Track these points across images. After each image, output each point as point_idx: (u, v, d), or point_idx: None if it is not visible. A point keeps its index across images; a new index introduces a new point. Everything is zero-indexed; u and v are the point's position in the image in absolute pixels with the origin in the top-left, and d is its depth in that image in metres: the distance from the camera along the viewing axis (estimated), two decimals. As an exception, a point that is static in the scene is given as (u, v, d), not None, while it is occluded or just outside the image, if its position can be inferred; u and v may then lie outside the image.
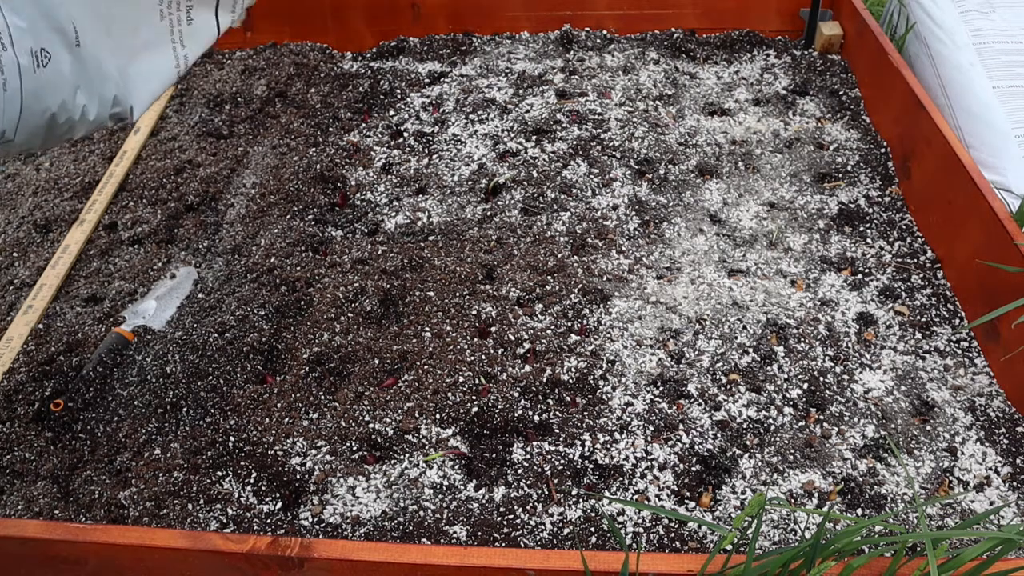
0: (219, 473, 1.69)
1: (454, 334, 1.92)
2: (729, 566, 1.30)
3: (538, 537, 1.55)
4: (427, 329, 1.94)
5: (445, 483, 1.65)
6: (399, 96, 2.85)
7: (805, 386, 1.84)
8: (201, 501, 1.64)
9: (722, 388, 1.83)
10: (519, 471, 1.67)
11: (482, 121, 2.68)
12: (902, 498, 1.62)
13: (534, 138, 2.60)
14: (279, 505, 1.64)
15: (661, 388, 1.83)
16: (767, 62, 2.98)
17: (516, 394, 1.81)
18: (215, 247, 2.26)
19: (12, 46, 1.25)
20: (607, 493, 1.63)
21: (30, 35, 1.28)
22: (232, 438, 1.75)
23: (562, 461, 1.69)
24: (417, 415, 1.76)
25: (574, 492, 1.63)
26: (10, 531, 1.41)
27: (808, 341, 1.94)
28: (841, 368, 1.88)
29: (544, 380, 1.83)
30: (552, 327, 1.95)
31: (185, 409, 1.82)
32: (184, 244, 2.28)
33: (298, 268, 2.15)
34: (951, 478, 1.66)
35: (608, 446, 1.71)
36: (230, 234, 2.29)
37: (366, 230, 2.31)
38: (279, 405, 1.80)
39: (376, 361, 1.88)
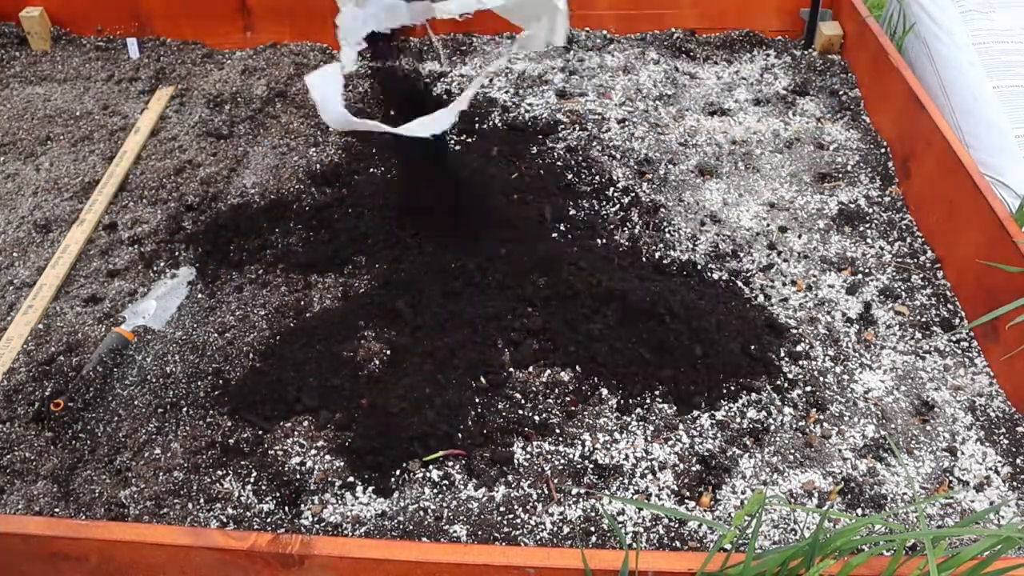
0: (219, 473, 1.69)
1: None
2: (729, 564, 1.30)
3: (538, 537, 1.55)
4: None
5: (445, 482, 1.65)
6: (399, 96, 2.85)
7: (805, 386, 1.84)
8: (201, 500, 1.64)
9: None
10: (519, 471, 1.67)
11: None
12: (902, 498, 1.62)
13: (534, 138, 2.60)
14: (279, 504, 1.64)
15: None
16: (767, 62, 2.98)
17: (516, 394, 1.81)
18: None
19: None
20: (607, 492, 1.63)
21: None
22: (232, 438, 1.75)
23: (562, 461, 1.69)
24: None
25: (574, 492, 1.63)
26: (12, 527, 1.42)
27: (808, 341, 1.94)
28: (841, 368, 1.88)
29: (544, 380, 1.84)
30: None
31: (185, 409, 1.82)
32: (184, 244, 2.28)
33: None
34: (951, 478, 1.66)
35: (608, 446, 1.71)
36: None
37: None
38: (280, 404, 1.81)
39: (376, 360, 1.88)
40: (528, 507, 1.61)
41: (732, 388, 1.82)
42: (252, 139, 2.68)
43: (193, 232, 2.30)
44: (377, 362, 1.88)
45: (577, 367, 1.85)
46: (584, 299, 1.95)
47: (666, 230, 2.26)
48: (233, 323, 2.01)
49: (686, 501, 1.62)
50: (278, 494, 1.65)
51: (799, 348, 1.92)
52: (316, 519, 1.60)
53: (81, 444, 1.77)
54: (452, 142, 2.59)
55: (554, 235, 2.20)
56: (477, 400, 1.79)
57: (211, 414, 1.80)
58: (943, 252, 2.14)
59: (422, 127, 1.72)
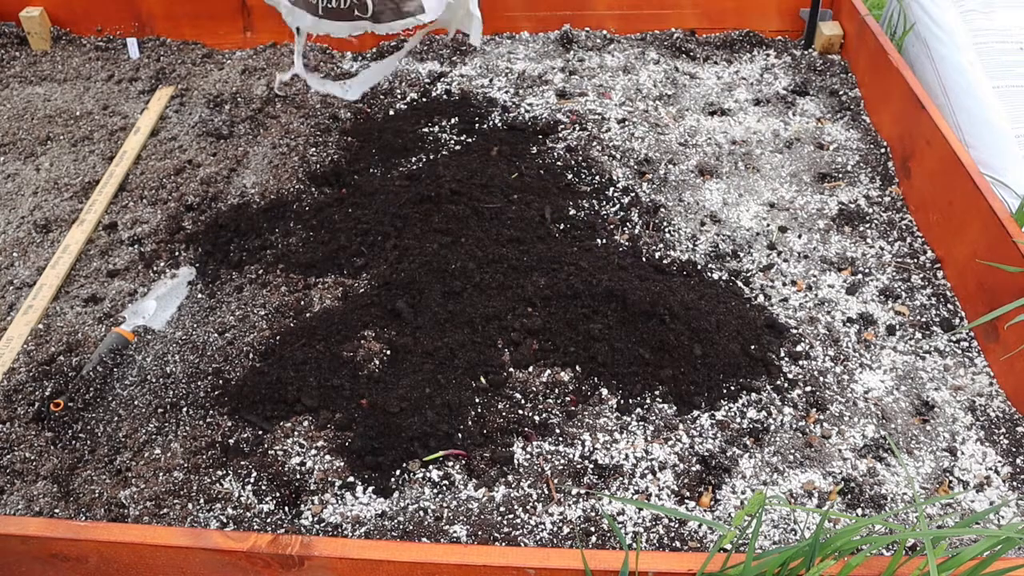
0: (219, 473, 1.69)
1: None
2: (729, 565, 1.30)
3: (538, 537, 1.55)
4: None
5: (445, 482, 1.65)
6: (399, 97, 2.85)
7: (805, 386, 1.84)
8: (201, 501, 1.64)
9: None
10: (519, 471, 1.67)
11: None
12: (902, 498, 1.62)
13: (534, 138, 2.60)
14: (279, 505, 1.64)
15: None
16: (767, 62, 2.98)
17: (516, 394, 1.81)
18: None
19: None
20: (607, 493, 1.63)
21: None
22: (232, 438, 1.75)
23: (562, 461, 1.69)
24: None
25: (574, 492, 1.63)
26: (11, 529, 1.41)
27: (808, 341, 1.94)
28: (841, 368, 1.88)
29: (544, 380, 1.84)
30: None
31: (185, 409, 1.82)
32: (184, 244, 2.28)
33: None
34: (951, 478, 1.66)
35: (608, 446, 1.71)
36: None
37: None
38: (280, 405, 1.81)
39: (376, 360, 1.88)
40: (528, 507, 1.61)
41: (732, 388, 1.82)
42: (252, 139, 2.68)
43: (193, 232, 2.31)
44: (377, 362, 1.88)
45: (577, 367, 1.85)
46: (584, 299, 1.95)
47: (666, 230, 2.26)
48: (233, 323, 2.01)
49: (686, 501, 1.62)
50: (278, 494, 1.65)
51: (799, 348, 1.92)
52: (316, 519, 1.60)
53: (81, 444, 1.77)
54: (452, 142, 2.59)
55: (554, 235, 2.20)
56: (477, 400, 1.79)
57: (211, 414, 1.80)
58: (943, 252, 2.14)
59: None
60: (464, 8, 2.14)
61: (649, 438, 1.73)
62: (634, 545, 1.52)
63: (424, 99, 2.82)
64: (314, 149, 2.60)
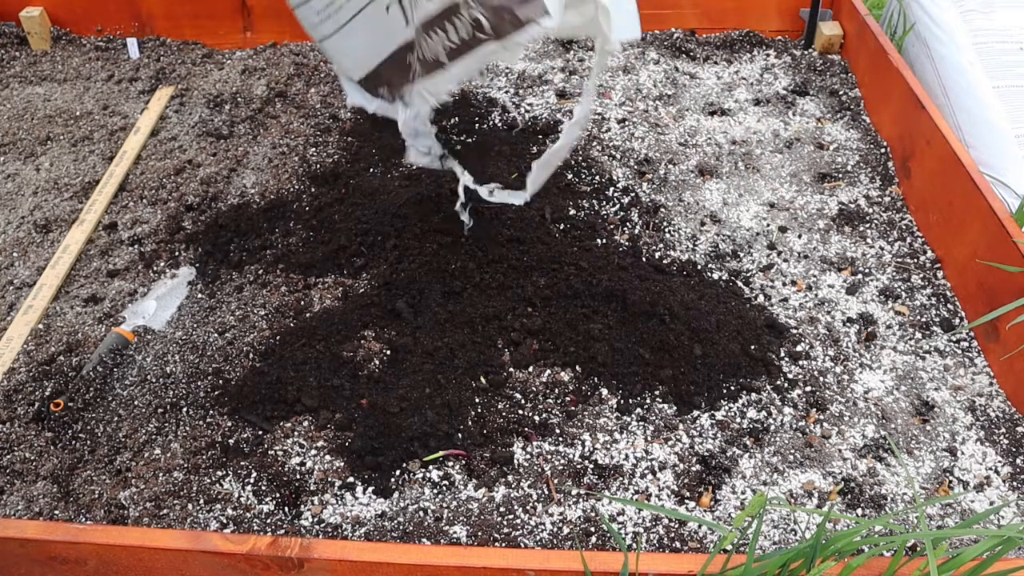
0: (219, 473, 1.69)
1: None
2: (729, 566, 1.30)
3: (538, 537, 1.55)
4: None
5: (445, 483, 1.65)
6: (399, 96, 2.85)
7: (805, 386, 1.84)
8: (201, 501, 1.64)
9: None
10: (519, 471, 1.67)
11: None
12: (902, 498, 1.62)
13: (534, 138, 2.60)
14: (279, 505, 1.64)
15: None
16: (767, 62, 2.98)
17: (516, 394, 1.81)
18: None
19: None
20: (607, 493, 1.63)
21: None
22: (232, 438, 1.75)
23: (562, 461, 1.69)
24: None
25: (574, 492, 1.63)
26: (10, 532, 1.41)
27: (808, 341, 1.94)
28: (841, 368, 1.88)
29: (544, 380, 1.84)
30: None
31: (185, 409, 1.82)
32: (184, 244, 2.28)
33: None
34: (951, 478, 1.66)
35: (608, 446, 1.71)
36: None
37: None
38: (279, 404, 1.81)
39: (376, 360, 1.88)
40: (528, 507, 1.60)
41: (732, 388, 1.82)
42: (252, 139, 2.68)
43: (193, 232, 2.30)
44: (377, 362, 1.88)
45: (577, 367, 1.85)
46: (584, 299, 1.95)
47: (666, 230, 2.26)
48: (233, 323, 2.01)
49: (686, 501, 1.62)
50: (278, 494, 1.65)
51: (799, 348, 1.92)
52: (316, 520, 1.60)
53: (81, 444, 1.77)
54: (452, 141, 2.59)
55: (554, 235, 2.20)
56: (477, 400, 1.79)
57: (211, 414, 1.80)
58: (943, 252, 2.14)
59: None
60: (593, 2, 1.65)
61: (649, 438, 1.73)
62: (634, 546, 1.52)
63: (424, 99, 2.81)
64: (314, 149, 2.60)
